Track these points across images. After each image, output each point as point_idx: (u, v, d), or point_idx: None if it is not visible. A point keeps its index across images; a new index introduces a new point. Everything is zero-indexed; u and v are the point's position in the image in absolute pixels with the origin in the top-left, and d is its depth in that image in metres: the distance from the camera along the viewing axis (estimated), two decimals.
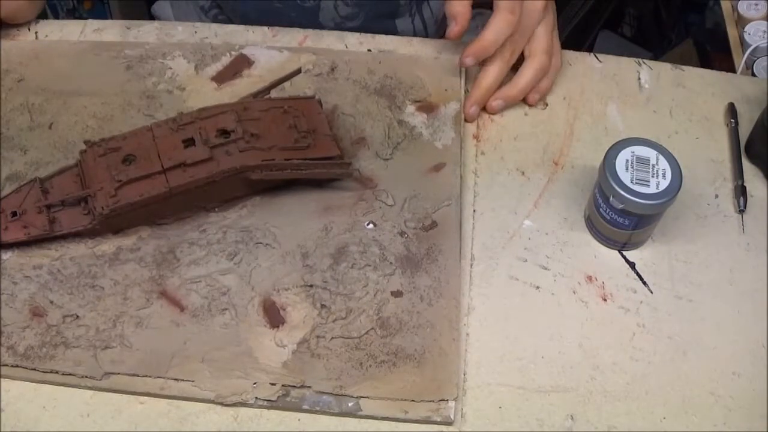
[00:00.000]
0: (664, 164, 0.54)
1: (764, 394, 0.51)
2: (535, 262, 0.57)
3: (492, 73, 0.62)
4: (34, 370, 0.50)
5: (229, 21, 0.82)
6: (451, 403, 0.49)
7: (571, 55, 0.69)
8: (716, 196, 0.61)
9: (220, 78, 0.64)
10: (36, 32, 0.68)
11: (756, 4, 0.88)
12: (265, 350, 0.51)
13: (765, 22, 0.85)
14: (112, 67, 0.64)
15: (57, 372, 0.50)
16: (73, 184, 0.55)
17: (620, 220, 0.54)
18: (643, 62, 0.69)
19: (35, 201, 0.54)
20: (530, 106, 0.65)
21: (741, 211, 0.60)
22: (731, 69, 0.84)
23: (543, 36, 0.63)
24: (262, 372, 0.50)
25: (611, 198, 0.53)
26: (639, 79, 0.68)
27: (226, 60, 0.65)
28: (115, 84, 0.63)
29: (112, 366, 0.50)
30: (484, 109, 0.64)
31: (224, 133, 0.55)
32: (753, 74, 0.82)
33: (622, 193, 0.52)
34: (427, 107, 0.63)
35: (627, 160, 0.54)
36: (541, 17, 0.63)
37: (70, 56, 0.65)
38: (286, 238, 0.56)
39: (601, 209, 0.55)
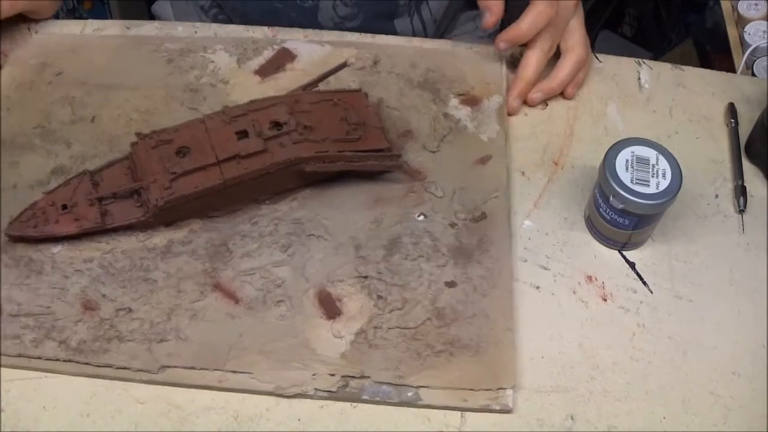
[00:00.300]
0: (664, 164, 0.54)
1: (764, 394, 0.51)
2: (535, 262, 0.56)
3: (533, 64, 0.63)
4: (87, 364, 0.49)
5: (229, 21, 0.82)
6: (509, 391, 0.50)
7: None
8: (716, 196, 0.61)
9: (263, 72, 0.64)
10: (36, 32, 0.66)
11: (756, 4, 0.89)
12: (322, 341, 0.51)
13: (765, 22, 0.86)
14: (153, 61, 0.64)
15: (111, 366, 0.49)
16: (123, 176, 0.54)
17: (620, 220, 0.54)
18: (643, 62, 0.69)
19: (86, 194, 0.53)
20: (569, 99, 0.65)
21: (741, 211, 0.60)
22: (731, 69, 0.85)
23: (578, 30, 0.64)
24: (320, 363, 0.50)
25: (611, 198, 0.53)
26: (639, 79, 0.68)
27: (268, 54, 0.65)
28: (156, 77, 0.63)
29: (168, 359, 0.50)
30: (524, 101, 0.65)
31: (277, 125, 0.55)
32: (753, 74, 0.82)
33: (622, 193, 0.52)
34: (471, 100, 0.64)
35: (627, 160, 0.54)
36: (574, 12, 0.64)
37: (108, 50, 0.65)
38: (338, 229, 0.56)
39: (601, 209, 0.55)
